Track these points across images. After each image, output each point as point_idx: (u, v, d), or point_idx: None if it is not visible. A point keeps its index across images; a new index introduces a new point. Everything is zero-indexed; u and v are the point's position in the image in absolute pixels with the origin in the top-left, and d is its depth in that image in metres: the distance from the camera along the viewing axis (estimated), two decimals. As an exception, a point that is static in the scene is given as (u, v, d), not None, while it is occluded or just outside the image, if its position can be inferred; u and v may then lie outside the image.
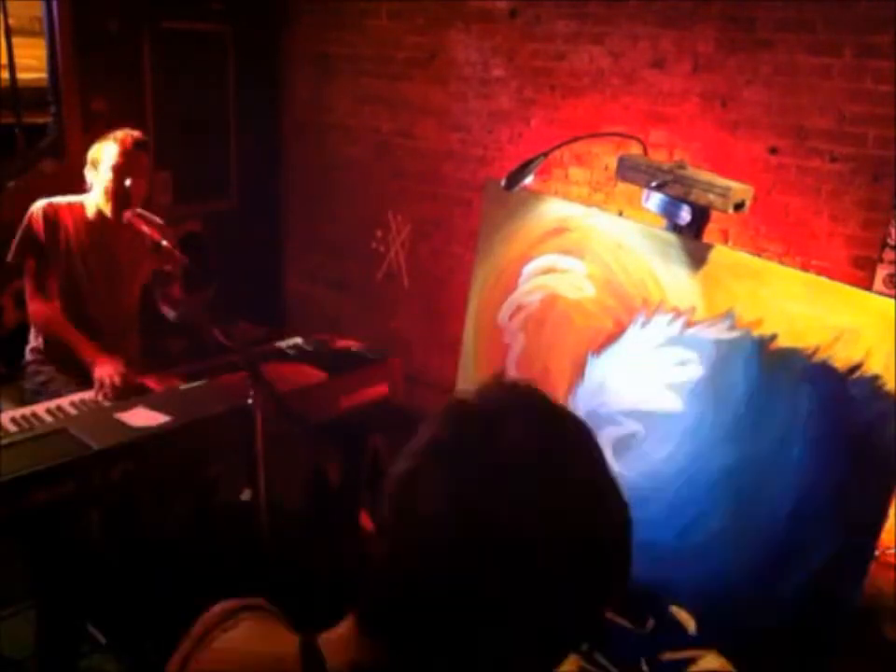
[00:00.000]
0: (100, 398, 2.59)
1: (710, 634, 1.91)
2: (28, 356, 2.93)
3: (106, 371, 2.61)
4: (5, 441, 2.23)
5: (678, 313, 1.97)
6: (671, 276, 1.99)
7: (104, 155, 2.74)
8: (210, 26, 4.49)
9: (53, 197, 2.81)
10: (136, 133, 2.79)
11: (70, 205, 2.82)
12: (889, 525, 1.71)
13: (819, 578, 1.72)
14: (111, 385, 2.58)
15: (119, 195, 2.73)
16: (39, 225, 2.75)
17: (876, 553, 1.89)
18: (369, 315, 4.65)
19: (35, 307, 2.81)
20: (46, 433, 2.31)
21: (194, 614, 1.03)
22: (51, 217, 2.77)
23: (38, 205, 2.78)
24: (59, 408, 2.50)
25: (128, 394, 2.60)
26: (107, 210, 2.77)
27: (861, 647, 1.99)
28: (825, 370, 1.71)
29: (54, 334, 2.79)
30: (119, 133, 2.77)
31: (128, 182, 2.71)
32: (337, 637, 0.79)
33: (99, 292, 2.87)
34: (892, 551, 2.34)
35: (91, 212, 2.81)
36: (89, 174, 2.79)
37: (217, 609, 0.91)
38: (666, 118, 3.34)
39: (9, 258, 2.79)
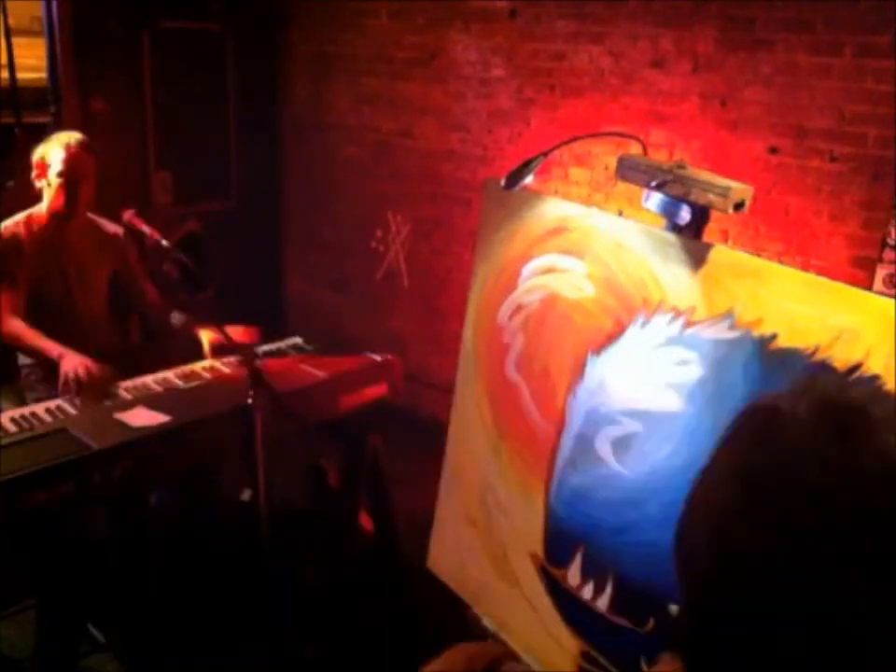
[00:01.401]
0: (64, 399, 2.55)
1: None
2: (24, 369, 2.93)
3: (72, 364, 2.59)
4: (5, 441, 2.23)
5: (677, 312, 1.97)
6: (671, 276, 1.99)
7: (51, 159, 2.80)
8: (210, 26, 4.50)
9: (5, 220, 2.87)
10: (80, 136, 2.85)
11: (25, 221, 2.87)
12: (888, 524, 1.71)
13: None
14: (75, 379, 2.57)
15: (71, 196, 2.80)
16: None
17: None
18: (369, 315, 4.65)
19: (5, 328, 2.78)
20: (46, 433, 2.31)
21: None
22: (9, 239, 2.80)
23: None
24: (59, 408, 2.50)
25: (97, 390, 2.58)
26: (63, 211, 2.83)
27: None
28: (825, 369, 1.71)
29: (22, 345, 2.79)
30: (63, 136, 2.84)
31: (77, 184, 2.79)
32: None
33: (73, 290, 2.92)
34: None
35: (45, 218, 2.87)
36: (38, 182, 2.85)
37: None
38: (666, 117, 3.34)
39: None
